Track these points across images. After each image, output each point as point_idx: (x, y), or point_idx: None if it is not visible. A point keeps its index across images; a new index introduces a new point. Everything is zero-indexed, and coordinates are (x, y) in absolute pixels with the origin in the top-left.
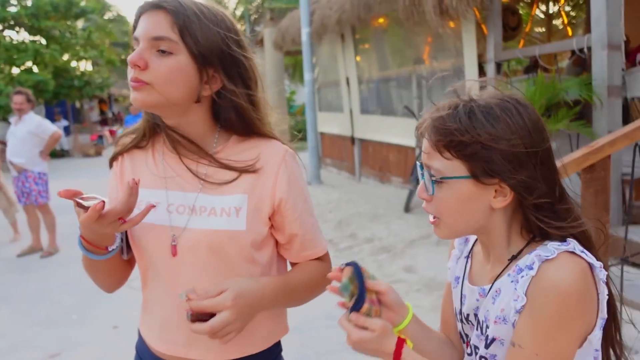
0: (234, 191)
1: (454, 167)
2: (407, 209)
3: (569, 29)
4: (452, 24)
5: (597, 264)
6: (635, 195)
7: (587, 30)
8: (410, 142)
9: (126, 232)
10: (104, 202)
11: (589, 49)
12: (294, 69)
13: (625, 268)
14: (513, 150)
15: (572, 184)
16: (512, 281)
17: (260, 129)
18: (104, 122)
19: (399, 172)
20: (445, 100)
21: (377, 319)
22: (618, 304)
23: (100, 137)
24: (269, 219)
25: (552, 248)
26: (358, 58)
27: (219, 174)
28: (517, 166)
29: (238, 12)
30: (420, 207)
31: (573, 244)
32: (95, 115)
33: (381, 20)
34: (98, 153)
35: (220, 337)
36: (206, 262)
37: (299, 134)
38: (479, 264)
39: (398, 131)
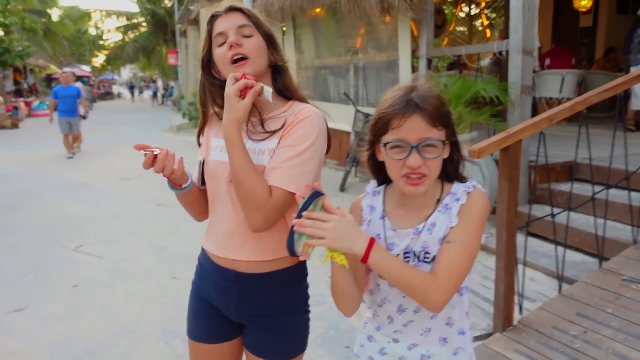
0: (271, 138)
1: (442, 135)
2: (343, 188)
3: (487, 30)
4: (388, 20)
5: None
6: (539, 179)
7: (504, 32)
8: (346, 127)
9: (203, 168)
10: (152, 153)
11: (507, 52)
12: None
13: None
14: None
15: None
16: (443, 213)
17: (297, 93)
18: (18, 92)
19: (334, 155)
20: (418, 85)
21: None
22: (521, 266)
23: (15, 108)
24: None
25: (468, 185)
26: (298, 45)
27: (261, 128)
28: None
29: None
30: (354, 188)
31: (474, 182)
32: (9, 85)
33: (320, 10)
34: (15, 125)
35: None
36: None
37: None
38: (399, 216)
39: (334, 116)
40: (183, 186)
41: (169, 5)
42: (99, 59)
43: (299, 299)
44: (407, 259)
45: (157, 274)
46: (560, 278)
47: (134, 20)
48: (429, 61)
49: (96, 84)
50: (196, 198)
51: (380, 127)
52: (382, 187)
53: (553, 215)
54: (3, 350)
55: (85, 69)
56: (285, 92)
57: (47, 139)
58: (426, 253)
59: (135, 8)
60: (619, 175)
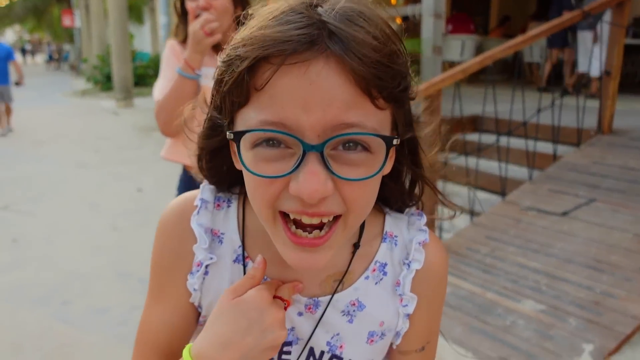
0: None
1: (385, 121)
2: None
3: None
4: None
5: None
6: (452, 131)
7: None
8: None
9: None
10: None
11: (420, 15)
12: (130, 10)
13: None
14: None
15: None
16: (377, 283)
17: None
18: None
19: None
20: None
21: None
22: (440, 207)
23: None
24: None
25: (416, 223)
26: None
27: None
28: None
29: None
30: None
31: (422, 213)
32: None
33: None
34: None
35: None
36: None
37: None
38: (276, 263)
39: None
40: (197, 72)
41: None
42: None
43: None
44: (284, 356)
45: (96, 227)
46: (471, 213)
47: None
48: None
49: None
50: (190, 95)
51: (232, 87)
52: (236, 192)
53: (467, 155)
54: None
55: None
56: None
57: None
58: (335, 356)
59: None
60: (517, 126)
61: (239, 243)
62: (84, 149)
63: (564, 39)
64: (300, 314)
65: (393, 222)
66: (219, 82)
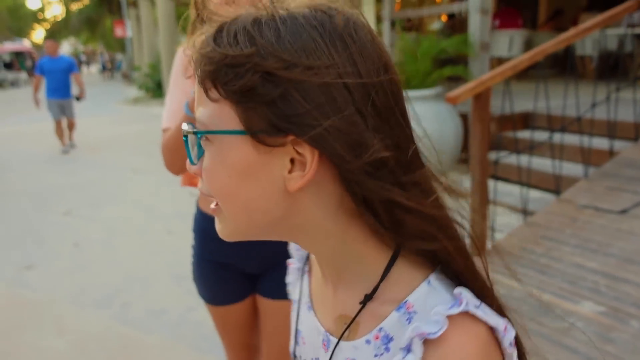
0: None
1: (222, 114)
2: None
3: None
4: None
5: (502, 324)
6: (498, 129)
7: None
8: None
9: None
10: None
11: (466, 12)
12: (178, 19)
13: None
14: (318, 81)
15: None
16: (375, 355)
17: None
18: None
19: None
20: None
21: None
22: (492, 206)
23: None
24: None
25: (434, 310)
26: None
27: None
28: (329, 108)
29: None
30: None
31: (464, 295)
32: None
33: None
34: None
35: None
36: None
37: None
38: (318, 285)
39: None
40: None
41: None
42: (39, 34)
43: None
44: None
45: (152, 231)
46: (525, 212)
47: None
48: (393, 23)
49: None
50: None
51: None
52: None
53: (518, 154)
54: (24, 301)
55: (26, 44)
56: None
57: None
58: None
59: None
60: (571, 122)
61: (309, 283)
62: (139, 154)
63: None
64: (323, 344)
65: (426, 294)
66: None
